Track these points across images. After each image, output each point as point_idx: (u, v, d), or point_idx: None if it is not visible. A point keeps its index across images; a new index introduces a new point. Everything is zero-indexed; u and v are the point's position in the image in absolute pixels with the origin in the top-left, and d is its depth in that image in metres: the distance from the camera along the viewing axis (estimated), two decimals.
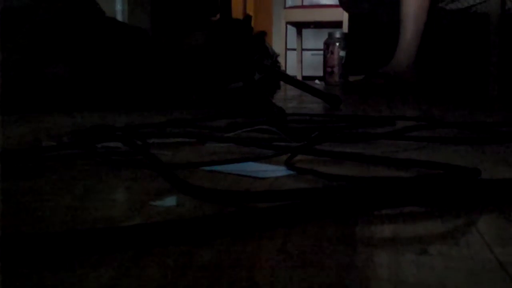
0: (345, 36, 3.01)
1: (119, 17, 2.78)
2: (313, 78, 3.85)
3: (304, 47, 4.30)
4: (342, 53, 2.99)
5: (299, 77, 3.98)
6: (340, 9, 3.04)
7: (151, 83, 1.48)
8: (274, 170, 0.60)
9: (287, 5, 4.68)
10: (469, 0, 2.33)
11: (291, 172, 0.59)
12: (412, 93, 2.20)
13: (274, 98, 1.49)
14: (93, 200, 0.49)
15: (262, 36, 1.53)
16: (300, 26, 4.11)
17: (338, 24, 3.63)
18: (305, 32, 4.34)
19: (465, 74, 2.35)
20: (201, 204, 0.46)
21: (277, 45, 3.86)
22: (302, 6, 4.06)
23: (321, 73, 3.21)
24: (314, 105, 1.60)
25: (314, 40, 4.66)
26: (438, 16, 2.37)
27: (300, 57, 4.16)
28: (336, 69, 3.03)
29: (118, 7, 2.86)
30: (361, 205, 0.43)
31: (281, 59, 2.13)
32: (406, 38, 2.27)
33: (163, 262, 0.33)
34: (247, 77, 1.35)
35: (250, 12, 4.77)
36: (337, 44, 3.02)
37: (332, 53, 3.02)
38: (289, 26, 4.01)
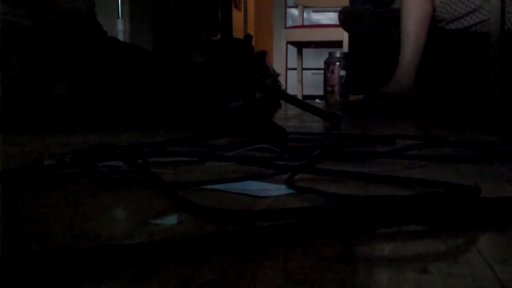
0: (345, 55, 3.03)
1: (121, 37, 2.80)
2: (313, 97, 3.86)
3: (304, 66, 4.31)
4: (343, 73, 3.00)
5: (300, 96, 3.99)
6: (341, 29, 3.06)
7: (152, 102, 1.49)
8: (274, 189, 0.60)
9: (287, 25, 4.72)
10: (468, 20, 2.34)
11: (292, 191, 0.59)
12: (412, 112, 2.21)
13: (275, 117, 1.49)
14: (93, 219, 0.49)
15: (263, 55, 1.54)
16: (300, 46, 4.13)
17: (338, 44, 3.65)
18: (306, 51, 4.36)
19: (465, 93, 2.36)
20: (202, 223, 0.46)
21: (277, 65, 3.87)
22: (303, 26, 4.08)
23: (321, 92, 3.22)
24: (314, 124, 1.61)
25: (315, 59, 4.68)
26: (438, 35, 2.38)
27: (301, 76, 4.18)
28: (336, 88, 3.04)
29: (120, 27, 2.88)
30: (361, 224, 0.43)
31: (281, 79, 2.14)
32: (406, 58, 2.28)
33: (164, 280, 0.33)
34: (247, 96, 1.35)
35: (251, 31, 4.79)
36: (338, 63, 3.03)
37: (332, 72, 3.04)
38: (289, 46, 4.03)
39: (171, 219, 0.47)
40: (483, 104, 2.05)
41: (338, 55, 3.06)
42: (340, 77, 3.02)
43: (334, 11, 3.57)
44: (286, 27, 4.47)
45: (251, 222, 0.45)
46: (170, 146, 0.94)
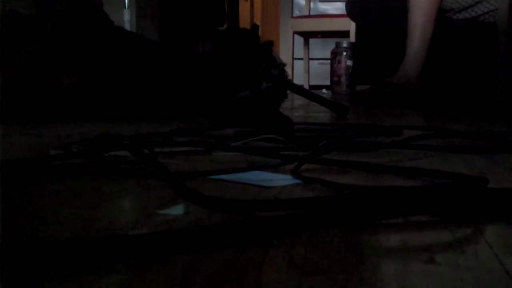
0: (352, 45, 3.02)
1: (127, 27, 2.79)
2: (320, 87, 3.85)
3: (311, 56, 4.30)
4: (349, 63, 2.99)
5: (306, 86, 3.99)
6: (347, 19, 3.04)
7: (159, 92, 1.49)
8: (281, 179, 0.60)
9: (294, 15, 4.70)
10: (476, 10, 2.33)
11: (298, 181, 0.59)
12: (419, 102, 2.20)
13: (281, 107, 1.49)
14: (100, 209, 0.49)
15: (269, 45, 1.54)
16: (307, 36, 4.12)
17: (345, 34, 3.63)
18: (312, 41, 4.34)
19: (472, 84, 2.35)
20: (209, 213, 0.46)
21: (284, 55, 3.86)
22: (309, 16, 4.06)
23: (328, 83, 3.22)
24: (321, 114, 1.60)
25: (321, 49, 4.66)
26: (446, 25, 2.37)
27: (307, 66, 4.17)
28: (343, 79, 3.03)
29: (126, 17, 2.88)
30: (368, 214, 0.43)
31: (288, 69, 2.14)
32: (413, 48, 2.27)
33: (171, 271, 0.33)
34: (254, 86, 1.35)
35: (257, 21, 4.78)
36: (344, 53, 3.02)
37: (339, 62, 3.03)
38: (296, 36, 4.02)
39: (177, 209, 0.47)
40: (491, 94, 2.04)
41: (345, 45, 3.05)
42: (347, 67, 3.01)
43: (341, 1, 3.55)
44: (292, 17, 4.45)
45: (257, 212, 0.45)
46: (177, 136, 0.93)
